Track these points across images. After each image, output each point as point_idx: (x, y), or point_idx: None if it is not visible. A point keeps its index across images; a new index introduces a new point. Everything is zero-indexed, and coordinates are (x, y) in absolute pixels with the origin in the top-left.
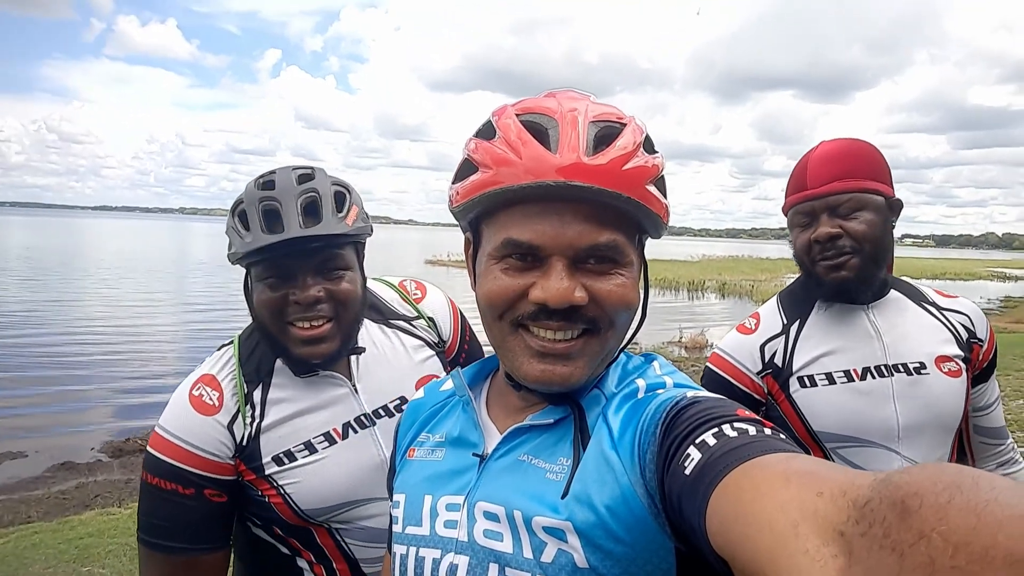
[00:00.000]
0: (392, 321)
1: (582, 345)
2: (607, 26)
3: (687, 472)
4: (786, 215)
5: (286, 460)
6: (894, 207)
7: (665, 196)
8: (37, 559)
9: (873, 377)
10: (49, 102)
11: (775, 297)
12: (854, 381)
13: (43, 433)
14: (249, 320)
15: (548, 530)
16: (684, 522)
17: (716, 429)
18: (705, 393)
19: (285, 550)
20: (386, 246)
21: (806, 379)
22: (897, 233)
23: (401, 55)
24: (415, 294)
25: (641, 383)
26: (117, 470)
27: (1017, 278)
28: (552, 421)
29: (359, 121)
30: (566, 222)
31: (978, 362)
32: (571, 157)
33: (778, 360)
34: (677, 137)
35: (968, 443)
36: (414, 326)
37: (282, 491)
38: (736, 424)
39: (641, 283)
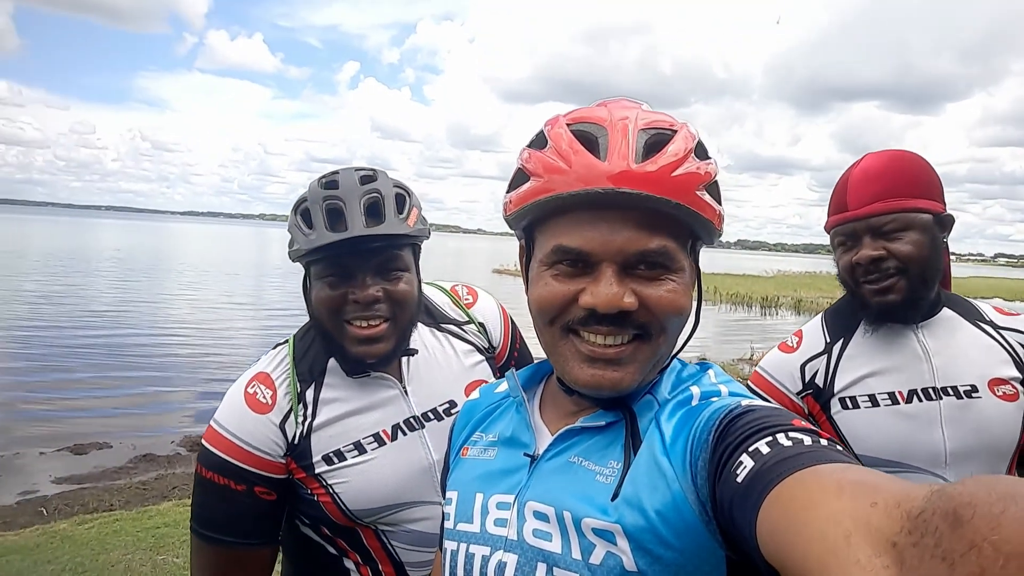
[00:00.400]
0: (443, 325)
1: (632, 350)
2: (682, 35)
3: (739, 480)
4: (828, 233)
5: (336, 459)
6: (944, 223)
7: (719, 202)
8: (117, 545)
9: (920, 400)
10: (143, 112)
11: (820, 314)
12: (899, 404)
13: (128, 426)
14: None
15: (597, 532)
16: (735, 530)
17: (770, 438)
18: (760, 402)
19: (332, 550)
20: (455, 255)
21: (848, 400)
22: (990, 251)
23: (474, 66)
24: (466, 299)
25: (695, 390)
26: (194, 463)
27: None
28: (604, 424)
29: (432, 131)
30: (615, 229)
31: None
32: (620, 164)
33: (819, 380)
34: (754, 149)
35: None
36: (465, 331)
37: (331, 490)
38: (791, 433)
39: (695, 290)
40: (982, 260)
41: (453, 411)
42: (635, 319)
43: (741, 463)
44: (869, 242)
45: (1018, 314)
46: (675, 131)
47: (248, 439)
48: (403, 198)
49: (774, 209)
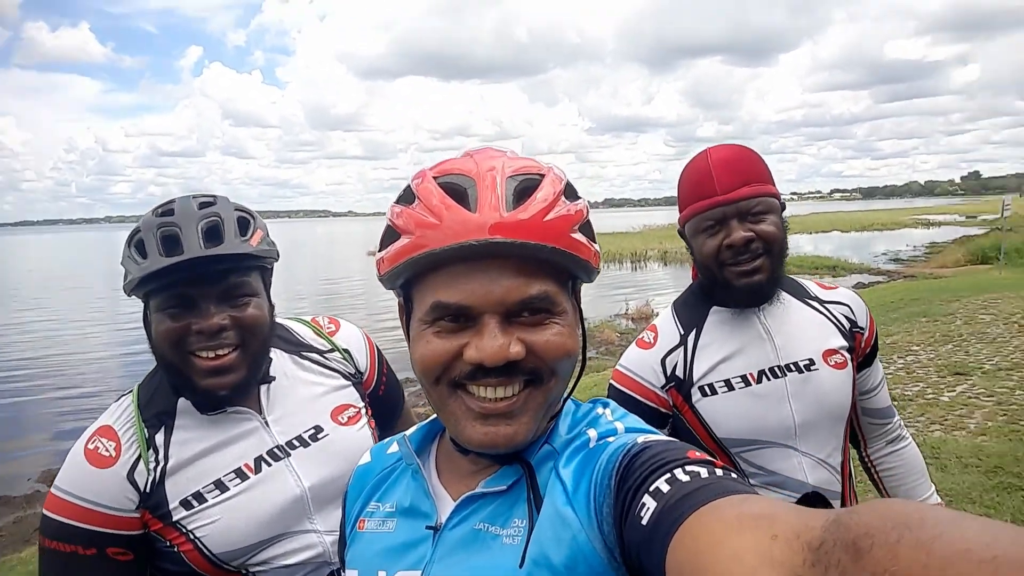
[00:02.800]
0: (304, 353)
1: (525, 399)
2: (535, 3)
3: (644, 523)
4: (683, 225)
5: (195, 503)
6: (783, 207)
7: (593, 240)
8: None
9: (768, 379)
10: None
11: (670, 307)
12: (751, 385)
13: None
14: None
15: None
16: (645, 574)
17: (668, 475)
18: (656, 436)
19: None
20: (327, 242)
21: (707, 388)
22: (826, 188)
23: (328, 45)
24: (329, 328)
25: (592, 433)
26: None
27: (940, 223)
28: (505, 487)
29: (290, 114)
30: (493, 279)
31: (861, 349)
32: (492, 215)
33: (679, 372)
34: (611, 110)
35: (859, 426)
36: (328, 358)
37: (192, 536)
38: (688, 468)
39: (579, 330)
40: (820, 197)
41: (320, 436)
42: (524, 366)
43: (644, 504)
44: (738, 225)
45: (836, 287)
46: (543, 176)
47: (92, 497)
48: (246, 220)
49: (635, 167)
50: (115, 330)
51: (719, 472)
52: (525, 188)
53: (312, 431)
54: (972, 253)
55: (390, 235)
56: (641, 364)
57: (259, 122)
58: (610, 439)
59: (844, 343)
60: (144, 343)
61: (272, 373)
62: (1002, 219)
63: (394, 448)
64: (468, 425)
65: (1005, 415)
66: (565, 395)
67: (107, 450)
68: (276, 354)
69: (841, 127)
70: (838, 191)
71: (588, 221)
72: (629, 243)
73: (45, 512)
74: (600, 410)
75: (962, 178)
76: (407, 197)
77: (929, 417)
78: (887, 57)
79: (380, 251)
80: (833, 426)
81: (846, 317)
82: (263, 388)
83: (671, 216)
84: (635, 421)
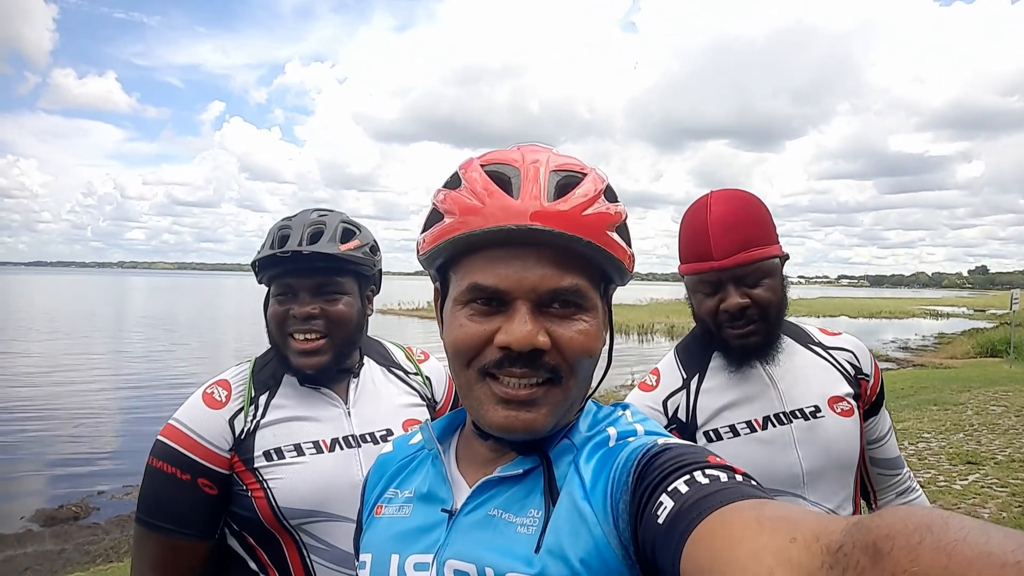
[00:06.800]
0: (393, 368)
1: (544, 393)
2: (548, 77)
3: (660, 521)
4: (682, 276)
5: (275, 456)
6: (784, 261)
7: (629, 244)
8: None
9: (774, 425)
10: None
11: (672, 352)
12: (757, 431)
13: None
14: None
15: None
16: (658, 572)
17: (688, 476)
18: (676, 440)
19: (253, 565)
20: None
21: (712, 433)
22: (834, 273)
23: (346, 107)
24: (418, 356)
25: (612, 431)
26: (49, 540)
27: (948, 315)
28: (521, 472)
29: (306, 171)
30: (529, 266)
31: (867, 396)
32: (533, 203)
33: (682, 415)
34: (621, 184)
35: (868, 477)
36: (411, 379)
37: (265, 485)
38: (708, 471)
39: (607, 332)
40: (828, 282)
41: (389, 438)
42: (546, 362)
43: (661, 503)
44: (734, 291)
45: (840, 333)
46: (585, 174)
47: (199, 430)
48: (350, 231)
49: (643, 241)
50: (115, 370)
51: (739, 477)
52: (567, 183)
53: (384, 432)
54: (982, 345)
55: (433, 217)
56: (642, 405)
57: (275, 177)
58: (630, 439)
59: (850, 390)
60: (138, 384)
61: (363, 377)
62: (1011, 313)
63: (416, 439)
64: (491, 408)
65: (1020, 507)
66: (588, 394)
67: (220, 396)
68: (369, 363)
69: (847, 214)
70: (845, 277)
71: (625, 225)
72: (636, 315)
73: (159, 438)
74: (620, 412)
75: (969, 271)
76: (453, 182)
77: (942, 504)
78: (891, 150)
79: (422, 232)
80: (842, 475)
81: (851, 363)
82: (352, 383)
83: (677, 292)
84: (654, 426)
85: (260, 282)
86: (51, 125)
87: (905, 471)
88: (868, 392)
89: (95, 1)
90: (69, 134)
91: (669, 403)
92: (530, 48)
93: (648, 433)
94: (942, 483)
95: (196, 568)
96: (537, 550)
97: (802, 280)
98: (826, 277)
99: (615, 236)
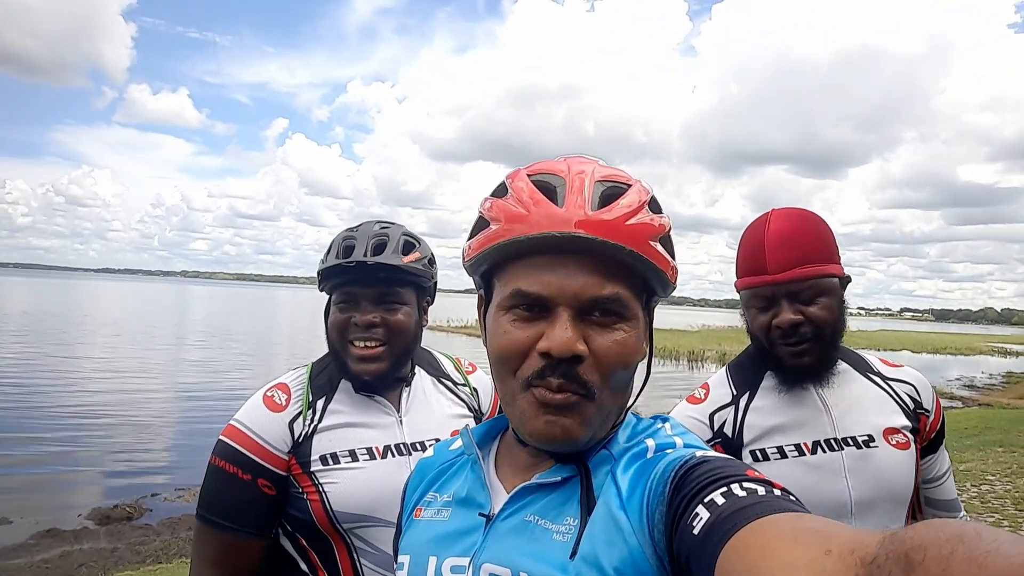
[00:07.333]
0: (443, 379)
1: (579, 400)
2: (605, 99)
3: (695, 532)
4: (738, 291)
5: (331, 461)
6: (845, 283)
7: (672, 256)
8: None
9: (823, 451)
10: (58, 166)
11: (724, 367)
12: (805, 455)
13: (29, 498)
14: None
15: None
16: None
17: (725, 488)
18: (714, 453)
19: (304, 566)
20: None
21: (759, 453)
22: (896, 306)
23: (404, 126)
24: (467, 368)
25: (651, 443)
26: (104, 538)
27: (1018, 354)
28: (560, 479)
29: (363, 188)
30: (571, 274)
31: (926, 432)
32: (577, 212)
33: (728, 430)
34: (675, 208)
35: (921, 517)
36: (459, 390)
37: (321, 489)
38: (745, 484)
39: (647, 343)
40: (889, 315)
41: None
42: (581, 376)
43: (697, 515)
44: (787, 306)
45: (901, 365)
46: (629, 185)
47: (260, 432)
48: (411, 244)
49: (696, 266)
50: (174, 375)
51: (777, 492)
52: (611, 194)
53: (433, 441)
54: None
55: (480, 224)
56: (688, 418)
57: (333, 193)
58: (668, 451)
59: (907, 423)
60: (196, 389)
61: (414, 386)
62: None
63: (457, 444)
64: (532, 415)
65: None
66: (627, 406)
67: (280, 400)
68: (420, 373)
69: (911, 245)
70: (908, 310)
71: (669, 237)
72: (687, 341)
73: (221, 438)
74: (660, 424)
75: None
76: (500, 191)
77: None
78: (959, 179)
79: (468, 239)
80: (894, 510)
81: (911, 397)
82: (404, 392)
83: (730, 319)
84: (694, 439)
85: (322, 290)
86: (125, 138)
87: (962, 515)
88: (927, 428)
89: (172, 20)
90: (142, 147)
91: (716, 417)
92: (588, 70)
93: (687, 446)
94: (1007, 528)
95: (252, 566)
96: (572, 557)
97: (862, 312)
98: (888, 310)
99: (658, 247)
